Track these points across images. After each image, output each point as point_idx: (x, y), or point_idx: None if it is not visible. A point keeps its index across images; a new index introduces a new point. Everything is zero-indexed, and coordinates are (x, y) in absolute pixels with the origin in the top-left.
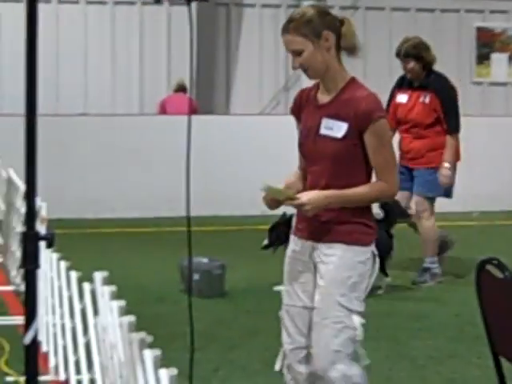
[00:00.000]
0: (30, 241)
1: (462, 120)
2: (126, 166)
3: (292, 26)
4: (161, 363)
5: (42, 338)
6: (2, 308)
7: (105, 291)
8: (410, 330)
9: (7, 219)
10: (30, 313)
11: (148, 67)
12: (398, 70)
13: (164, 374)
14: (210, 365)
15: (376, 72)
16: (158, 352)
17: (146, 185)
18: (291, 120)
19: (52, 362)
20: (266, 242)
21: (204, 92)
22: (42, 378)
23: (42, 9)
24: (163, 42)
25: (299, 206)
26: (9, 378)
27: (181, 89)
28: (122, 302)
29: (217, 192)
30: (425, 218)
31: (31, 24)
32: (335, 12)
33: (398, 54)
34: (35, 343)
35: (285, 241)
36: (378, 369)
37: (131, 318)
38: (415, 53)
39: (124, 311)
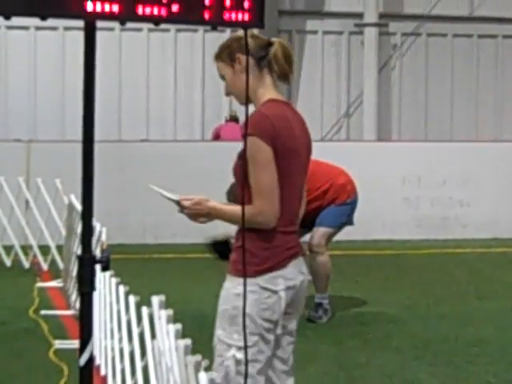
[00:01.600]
0: (85, 264)
1: None
2: (187, 192)
3: (217, 53)
4: None
5: (100, 361)
6: (62, 332)
7: (162, 315)
8: (469, 356)
9: (68, 244)
10: (85, 335)
11: (209, 94)
12: (460, 94)
13: None
14: None
15: (437, 97)
16: (213, 374)
17: None
18: (353, 146)
19: None
20: None
21: None
22: None
23: (105, 36)
24: None
25: (182, 210)
26: None
27: (233, 119)
28: (179, 326)
29: None
30: (320, 252)
31: (89, 52)
32: (397, 39)
33: None
34: (90, 365)
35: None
36: None
37: (187, 342)
38: None
39: (180, 335)
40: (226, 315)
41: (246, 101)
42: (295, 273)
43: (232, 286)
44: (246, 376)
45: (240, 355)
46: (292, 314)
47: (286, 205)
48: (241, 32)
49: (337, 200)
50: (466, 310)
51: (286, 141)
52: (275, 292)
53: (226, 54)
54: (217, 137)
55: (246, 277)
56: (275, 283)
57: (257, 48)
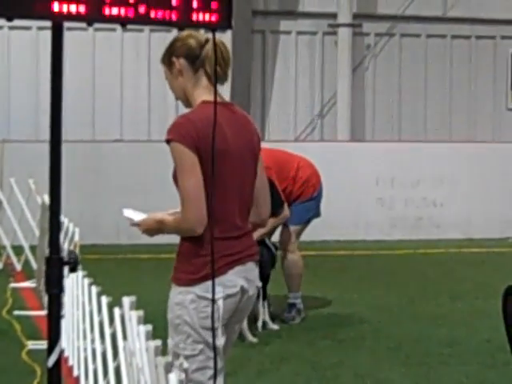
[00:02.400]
0: (53, 265)
1: (497, 146)
2: (160, 192)
3: (161, 57)
4: None
5: (73, 362)
6: (35, 333)
7: (132, 316)
8: (441, 356)
9: (41, 244)
10: (53, 336)
11: None
12: (433, 95)
13: None
14: None
15: (411, 97)
16: (182, 375)
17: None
18: (326, 146)
19: None
20: None
21: None
22: None
23: (78, 36)
24: None
25: (138, 227)
26: None
27: None
28: (149, 327)
29: None
30: (290, 250)
31: (57, 53)
32: (370, 39)
33: None
34: (58, 366)
35: None
36: None
37: (157, 343)
38: None
39: (151, 335)
40: (172, 324)
41: (215, 102)
42: (237, 280)
43: (173, 295)
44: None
45: (187, 364)
46: (235, 324)
47: (221, 209)
48: (181, 33)
49: (302, 195)
50: (439, 310)
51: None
52: (214, 300)
53: (166, 58)
54: None
55: (185, 286)
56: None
57: (191, 48)
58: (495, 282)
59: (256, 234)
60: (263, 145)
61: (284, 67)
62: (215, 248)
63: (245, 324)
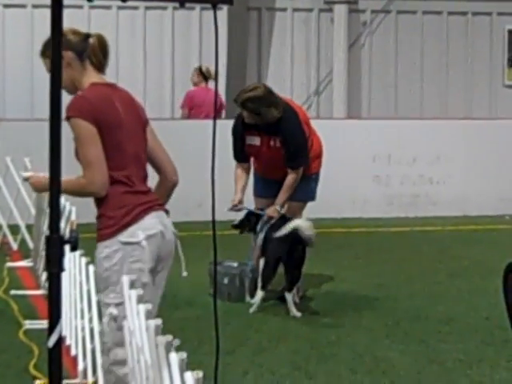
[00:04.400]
0: (53, 244)
1: (493, 123)
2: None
3: (41, 50)
4: (188, 367)
5: (71, 341)
6: (32, 312)
7: (132, 294)
8: (440, 334)
9: (37, 223)
10: (54, 316)
11: (179, 72)
12: (430, 71)
13: (189, 377)
14: (239, 368)
15: (407, 74)
16: (184, 355)
17: (177, 189)
18: (323, 123)
19: (80, 365)
20: (236, 222)
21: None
22: (70, 382)
23: (73, 14)
24: (195, 47)
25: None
26: (38, 382)
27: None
28: (149, 306)
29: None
30: None
31: (56, 29)
32: (366, 16)
33: (235, 100)
34: (59, 346)
35: (253, 228)
36: (407, 372)
37: (158, 322)
38: (253, 108)
39: (151, 315)
40: (101, 279)
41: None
42: (154, 223)
43: (99, 251)
44: None
45: (116, 311)
46: (160, 271)
47: (124, 170)
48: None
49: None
50: (437, 288)
51: (107, 116)
52: (138, 243)
53: (48, 52)
54: (191, 107)
55: (109, 238)
56: (135, 235)
57: (77, 43)
58: (492, 259)
59: (283, 195)
60: None
61: (280, 44)
62: (128, 200)
63: (290, 299)
